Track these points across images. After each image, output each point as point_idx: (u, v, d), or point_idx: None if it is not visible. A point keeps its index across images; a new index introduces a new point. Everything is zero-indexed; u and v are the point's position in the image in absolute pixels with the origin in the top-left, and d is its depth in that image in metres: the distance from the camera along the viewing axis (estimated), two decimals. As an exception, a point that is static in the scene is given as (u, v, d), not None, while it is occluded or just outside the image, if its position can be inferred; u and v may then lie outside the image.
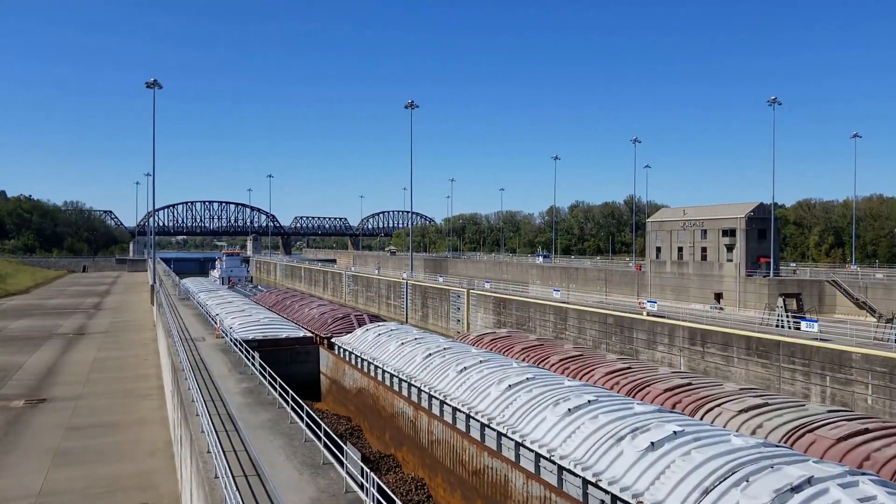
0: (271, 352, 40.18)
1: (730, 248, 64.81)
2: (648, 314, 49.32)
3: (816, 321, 39.28)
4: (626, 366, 32.04)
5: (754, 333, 40.25)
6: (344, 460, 16.37)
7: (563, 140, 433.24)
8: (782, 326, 42.43)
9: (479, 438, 23.94)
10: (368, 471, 14.29)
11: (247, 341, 38.85)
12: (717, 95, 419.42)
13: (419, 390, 29.92)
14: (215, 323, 47.52)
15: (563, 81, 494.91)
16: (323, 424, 18.73)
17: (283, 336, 44.55)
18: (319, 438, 18.69)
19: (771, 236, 65.31)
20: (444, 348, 33.27)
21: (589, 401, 21.71)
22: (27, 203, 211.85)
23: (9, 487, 25.03)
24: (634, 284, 78.86)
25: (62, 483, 25.57)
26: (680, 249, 71.03)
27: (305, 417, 20.40)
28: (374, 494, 13.84)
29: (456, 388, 27.25)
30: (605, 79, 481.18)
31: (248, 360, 32.33)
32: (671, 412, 21.94)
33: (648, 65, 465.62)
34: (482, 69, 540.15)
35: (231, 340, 37.83)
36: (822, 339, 36.43)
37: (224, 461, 15.80)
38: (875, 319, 47.37)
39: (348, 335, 44.36)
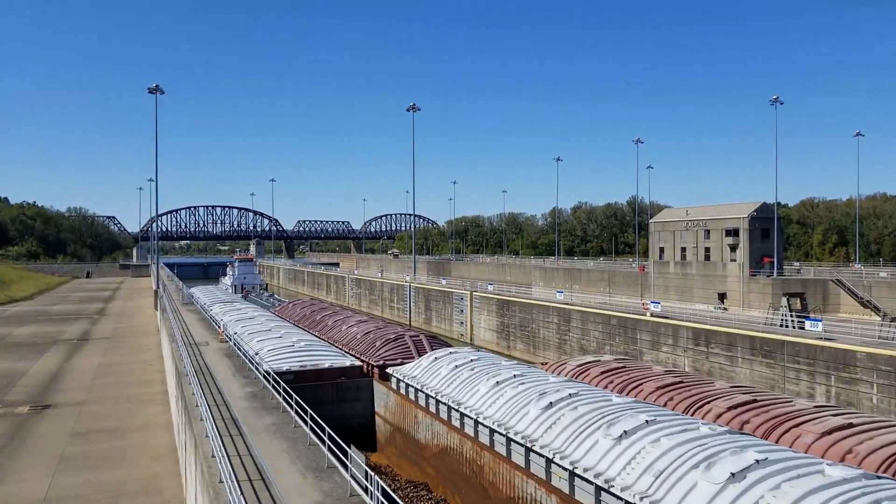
0: (313, 387, 32.62)
1: (733, 248, 64.68)
2: (652, 315, 49.26)
3: (820, 320, 39.17)
4: (846, 421, 22.17)
5: (758, 333, 40.17)
6: (348, 464, 16.35)
7: (565, 141, 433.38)
8: (786, 326, 42.32)
9: None
10: (372, 474, 14.28)
11: (281, 373, 30.79)
12: (719, 95, 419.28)
13: (548, 461, 21.18)
14: (219, 327, 47.49)
15: (565, 82, 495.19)
16: (327, 428, 18.72)
17: (327, 365, 35.42)
18: (323, 442, 18.67)
19: (774, 236, 65.14)
20: (570, 394, 24.51)
21: None
22: (30, 209, 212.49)
23: (14, 493, 25.07)
24: (638, 285, 78.78)
25: (67, 488, 25.61)
26: (683, 250, 70.93)
27: (310, 421, 20.41)
28: (378, 498, 13.82)
29: (624, 470, 18.51)
30: (607, 79, 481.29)
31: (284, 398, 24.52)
32: None
33: (650, 64, 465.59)
34: (484, 71, 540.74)
35: (263, 374, 29.39)
36: (826, 339, 36.34)
37: (228, 465, 15.80)
38: (880, 318, 47.21)
39: (410, 365, 35.52)
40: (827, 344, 35.61)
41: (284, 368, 33.61)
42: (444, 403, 28.66)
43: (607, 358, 35.56)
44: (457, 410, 27.41)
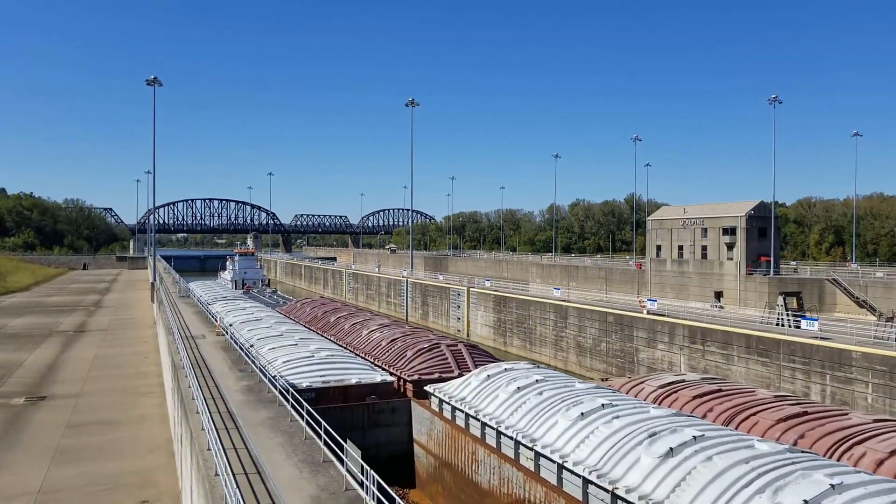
0: (340, 410, 27.96)
1: (730, 246, 64.81)
2: (649, 312, 49.36)
3: (816, 320, 39.33)
4: None
5: (754, 332, 40.30)
6: (344, 458, 16.38)
7: (563, 138, 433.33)
8: (782, 325, 42.45)
9: None
10: (368, 468, 14.29)
11: (300, 391, 26.37)
12: (718, 94, 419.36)
13: None
14: (215, 320, 47.45)
15: (564, 79, 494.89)
16: (323, 422, 18.73)
17: (354, 381, 29.85)
18: (319, 436, 18.70)
19: (771, 235, 65.31)
20: (695, 437, 18.16)
21: None
22: (27, 200, 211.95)
23: (9, 485, 25.05)
24: (635, 283, 78.91)
25: (62, 480, 25.60)
26: (680, 248, 71.05)
27: (306, 415, 20.42)
28: (374, 492, 13.84)
29: None
30: (606, 76, 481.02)
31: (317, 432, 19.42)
32: None
33: (649, 62, 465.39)
34: (482, 66, 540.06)
35: (281, 390, 24.95)
36: (822, 338, 36.48)
37: (224, 459, 15.80)
38: (875, 318, 47.36)
39: (455, 383, 29.05)
40: (823, 343, 35.75)
41: (304, 385, 28.35)
42: (511, 438, 22.33)
43: (693, 377, 29.26)
44: (530, 449, 21.06)
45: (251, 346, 36.42)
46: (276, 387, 25.22)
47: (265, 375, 27.00)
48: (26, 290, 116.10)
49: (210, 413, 20.93)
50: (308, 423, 20.10)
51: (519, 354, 61.30)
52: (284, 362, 31.92)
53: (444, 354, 34.74)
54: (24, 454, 28.64)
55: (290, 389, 23.40)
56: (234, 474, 15.33)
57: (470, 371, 31.78)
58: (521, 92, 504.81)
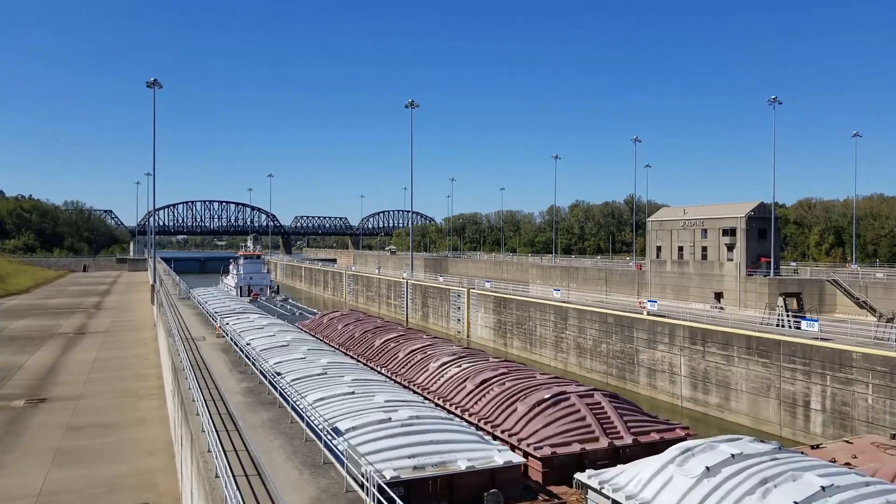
0: None
1: (730, 247, 64.81)
2: (649, 313, 49.36)
3: (817, 320, 39.31)
4: None
5: (755, 333, 40.30)
6: (344, 460, 16.37)
7: (563, 139, 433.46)
8: (783, 326, 42.45)
9: None
10: (369, 468, 14.29)
11: (385, 484, 14.34)
12: (718, 94, 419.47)
13: None
14: (215, 323, 47.41)
15: (564, 80, 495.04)
16: (323, 424, 18.71)
17: (463, 467, 16.76)
18: (320, 438, 18.68)
19: (771, 236, 65.31)
20: None
21: None
22: (27, 203, 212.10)
23: (9, 487, 25.05)
24: (635, 284, 78.91)
25: (62, 482, 25.60)
26: (680, 249, 71.04)
27: (306, 417, 20.41)
28: (374, 494, 13.84)
29: None
30: (606, 78, 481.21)
31: None
32: None
33: (649, 63, 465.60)
34: (482, 66, 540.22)
35: (364, 481, 14.93)
36: (822, 339, 36.46)
37: (224, 460, 15.80)
38: (875, 319, 47.35)
39: (642, 473, 14.37)
40: (823, 344, 35.74)
41: (388, 474, 15.70)
42: None
43: None
44: None
45: (287, 392, 24.01)
46: (364, 487, 14.82)
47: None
48: (26, 293, 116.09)
49: (210, 415, 20.93)
50: (308, 425, 20.09)
51: (519, 355, 61.26)
52: (347, 430, 18.66)
53: (579, 410, 21.65)
54: (25, 456, 28.65)
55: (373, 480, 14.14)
56: (234, 476, 15.34)
57: (620, 436, 20.65)
58: (521, 92, 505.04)
